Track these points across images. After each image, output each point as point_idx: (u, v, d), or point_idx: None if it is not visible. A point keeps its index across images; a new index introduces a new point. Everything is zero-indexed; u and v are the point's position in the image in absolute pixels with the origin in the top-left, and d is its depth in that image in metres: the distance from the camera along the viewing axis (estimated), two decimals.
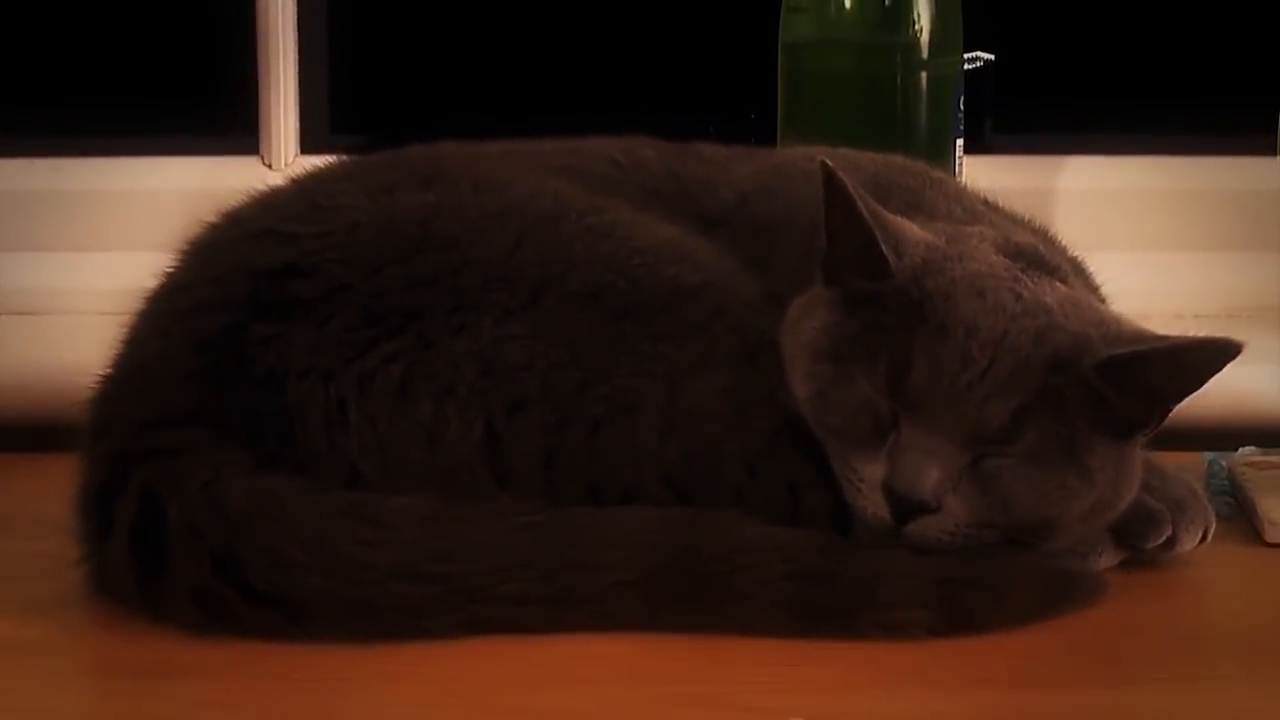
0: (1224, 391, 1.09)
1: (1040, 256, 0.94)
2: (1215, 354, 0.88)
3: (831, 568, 0.87)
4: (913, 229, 0.93)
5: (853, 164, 1.00)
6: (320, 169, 1.06)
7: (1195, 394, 0.89)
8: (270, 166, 1.54)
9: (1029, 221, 1.07)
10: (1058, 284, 0.92)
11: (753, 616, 0.86)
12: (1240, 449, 1.14)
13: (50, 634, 0.89)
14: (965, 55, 1.32)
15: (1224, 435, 1.14)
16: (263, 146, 1.55)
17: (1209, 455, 1.12)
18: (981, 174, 1.32)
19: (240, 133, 1.55)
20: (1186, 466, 1.07)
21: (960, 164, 1.28)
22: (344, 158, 1.09)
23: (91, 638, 0.89)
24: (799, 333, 0.92)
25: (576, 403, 0.90)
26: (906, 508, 0.87)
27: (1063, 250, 1.03)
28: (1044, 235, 1.05)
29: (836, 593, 0.86)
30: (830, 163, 0.89)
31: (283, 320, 0.92)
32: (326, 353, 0.90)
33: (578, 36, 1.61)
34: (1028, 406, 0.86)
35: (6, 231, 1.51)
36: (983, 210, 1.03)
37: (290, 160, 1.54)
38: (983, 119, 1.49)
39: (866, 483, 0.88)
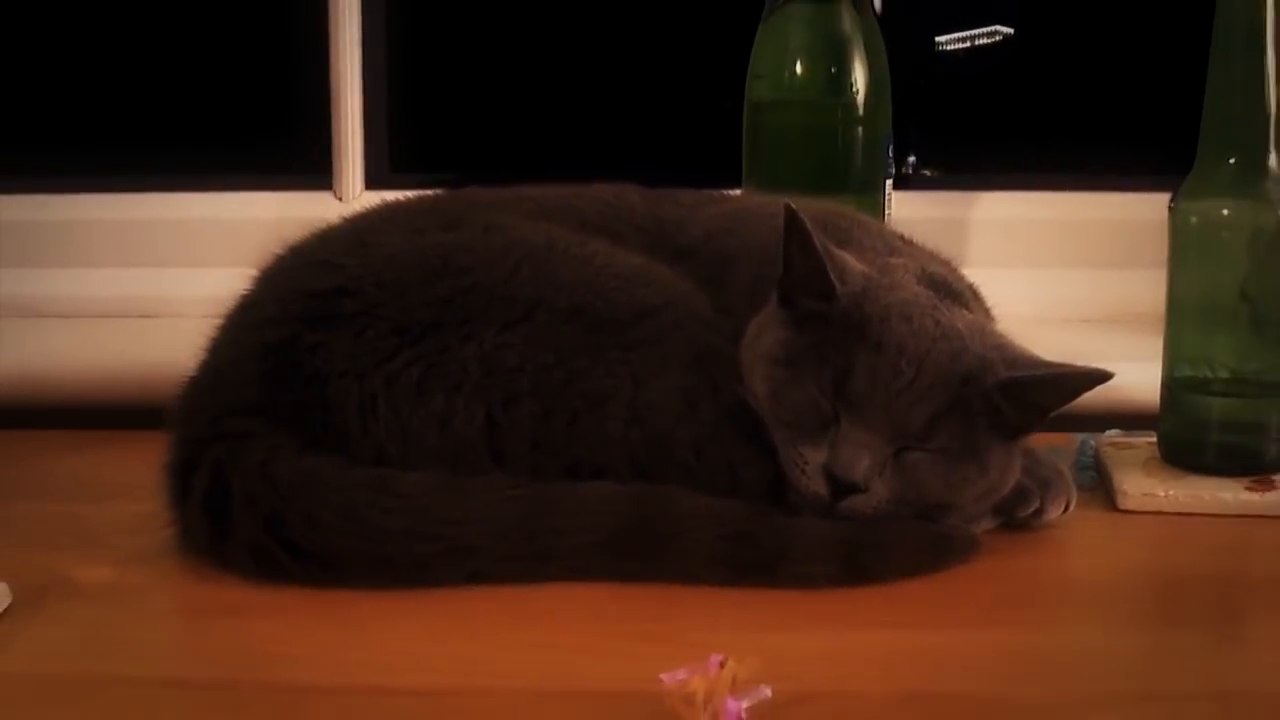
0: None
1: (950, 285, 0.95)
2: (1090, 380, 0.88)
3: (756, 530, 0.86)
4: (853, 261, 0.92)
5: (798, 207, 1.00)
6: (369, 211, 1.05)
7: None
8: (341, 199, 1.53)
9: (936, 253, 1.05)
10: (965, 311, 0.92)
11: (694, 569, 0.85)
12: (1107, 431, 1.13)
13: (145, 580, 0.89)
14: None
15: (1096, 419, 1.12)
16: (335, 183, 1.54)
17: (1081, 436, 1.12)
18: (908, 206, 1.32)
19: (316, 172, 1.54)
20: (1060, 447, 1.07)
21: (889, 199, 1.27)
22: (389, 201, 1.08)
23: (175, 583, 0.88)
24: (758, 345, 0.92)
25: (559, 398, 0.90)
26: (842, 487, 0.87)
27: (962, 278, 1.02)
28: (948, 265, 1.04)
29: (760, 550, 0.86)
30: (791, 206, 0.89)
31: (328, 331, 0.91)
32: (361, 357, 0.90)
33: (594, 97, 1.60)
34: (942, 413, 0.87)
35: (120, 251, 1.51)
36: (900, 245, 1.02)
37: (357, 194, 1.53)
38: (908, 161, 1.49)
39: (810, 465, 0.88)
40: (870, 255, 0.95)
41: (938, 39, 1.57)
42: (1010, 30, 1.52)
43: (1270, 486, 0.99)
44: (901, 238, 1.06)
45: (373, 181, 1.55)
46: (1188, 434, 1.03)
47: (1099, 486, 1.05)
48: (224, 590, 0.86)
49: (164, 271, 1.49)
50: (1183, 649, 0.80)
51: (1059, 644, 0.81)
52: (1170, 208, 1.02)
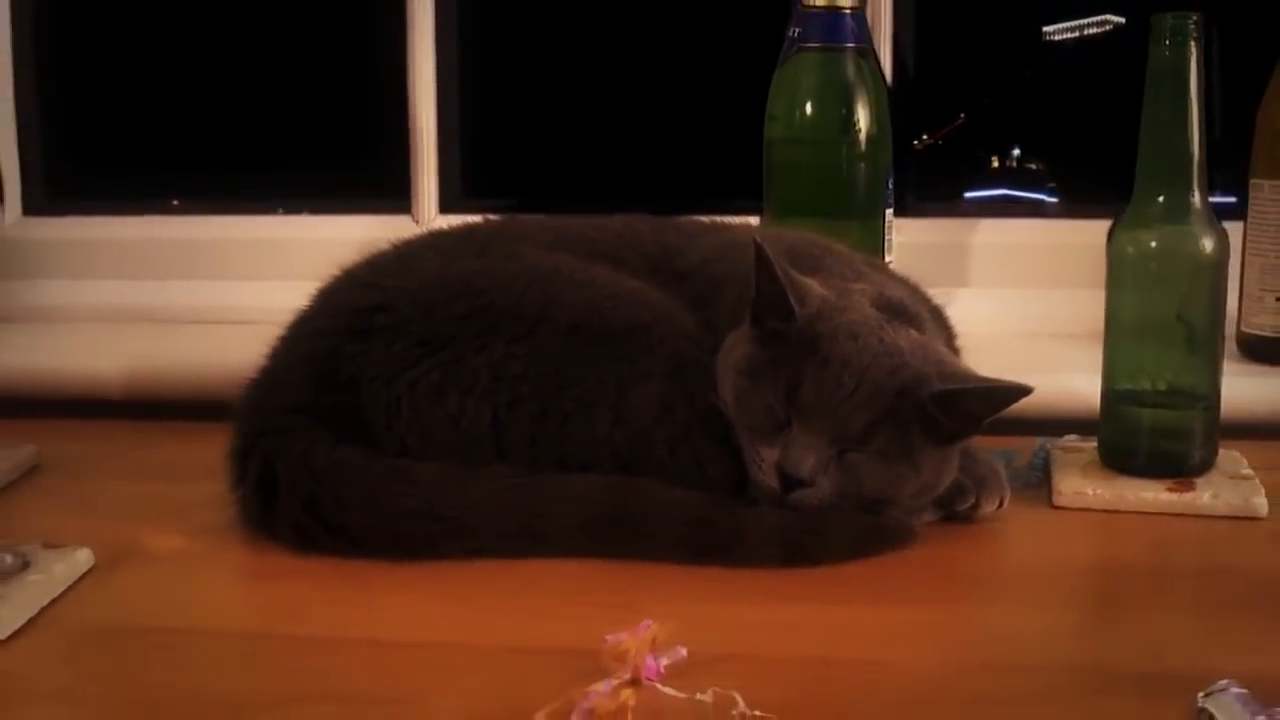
0: (1061, 392, 1.13)
1: (905, 308, 0.98)
2: (1013, 393, 0.92)
3: (714, 518, 0.92)
4: (815, 286, 0.96)
5: (777, 238, 1.04)
6: (415, 238, 1.11)
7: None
8: (418, 223, 1.57)
9: (904, 279, 1.09)
10: (913, 331, 0.96)
11: (661, 550, 0.91)
12: (1065, 435, 1.14)
13: (208, 548, 0.96)
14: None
15: (1060, 424, 1.15)
16: (413, 208, 1.59)
17: (1040, 439, 1.13)
18: (906, 232, 1.36)
19: (397, 197, 1.59)
20: (1017, 450, 1.10)
21: (890, 225, 1.31)
22: (435, 230, 1.13)
23: (232, 551, 0.96)
24: (729, 358, 0.97)
25: (554, 401, 0.95)
26: (791, 482, 0.92)
27: (926, 300, 1.06)
28: (913, 289, 1.07)
29: (717, 535, 0.91)
30: (760, 239, 0.93)
31: (364, 342, 0.98)
32: (389, 365, 0.96)
33: (646, 132, 1.62)
34: (879, 420, 0.91)
35: (233, 266, 1.57)
36: (865, 270, 1.06)
37: (432, 218, 1.57)
38: (907, 191, 1.51)
39: (766, 463, 0.92)
40: (835, 280, 0.99)
41: (1045, 29, 1.54)
42: (1121, 19, 1.47)
43: (1189, 488, 1.03)
44: (869, 263, 1.10)
45: (447, 206, 1.58)
46: (1123, 440, 1.07)
47: (1044, 485, 1.07)
48: (270, 558, 0.94)
49: (267, 284, 1.54)
50: (1071, 626, 0.85)
51: (966, 619, 0.86)
52: (1108, 237, 1.06)
